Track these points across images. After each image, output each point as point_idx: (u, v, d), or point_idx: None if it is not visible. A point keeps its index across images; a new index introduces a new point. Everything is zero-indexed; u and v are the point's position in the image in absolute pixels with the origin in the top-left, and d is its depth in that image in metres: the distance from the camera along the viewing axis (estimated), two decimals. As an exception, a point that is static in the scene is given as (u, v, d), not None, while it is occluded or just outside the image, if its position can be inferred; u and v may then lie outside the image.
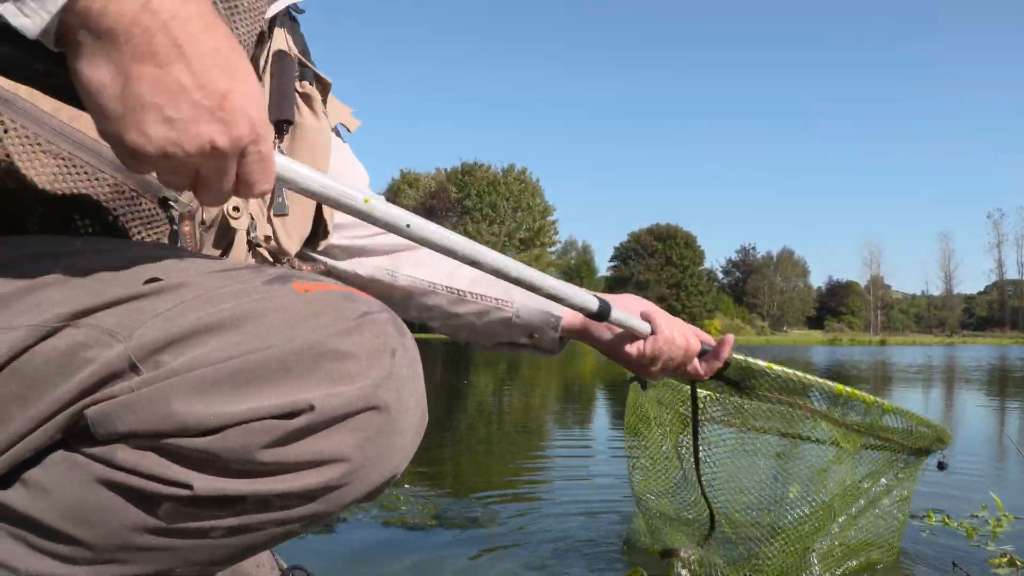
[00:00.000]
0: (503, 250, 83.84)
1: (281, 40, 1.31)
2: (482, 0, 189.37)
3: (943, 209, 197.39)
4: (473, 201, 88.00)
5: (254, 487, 0.82)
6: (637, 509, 2.18)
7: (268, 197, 1.22)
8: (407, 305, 1.61)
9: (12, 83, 0.88)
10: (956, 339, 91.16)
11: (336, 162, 1.48)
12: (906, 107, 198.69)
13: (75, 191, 0.94)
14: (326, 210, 1.39)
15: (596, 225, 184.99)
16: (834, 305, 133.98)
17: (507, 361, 18.97)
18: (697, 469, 1.80)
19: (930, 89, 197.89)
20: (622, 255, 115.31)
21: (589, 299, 1.39)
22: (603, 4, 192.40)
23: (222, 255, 1.17)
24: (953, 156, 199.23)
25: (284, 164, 0.85)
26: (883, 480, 1.81)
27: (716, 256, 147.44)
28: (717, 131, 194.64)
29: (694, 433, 1.77)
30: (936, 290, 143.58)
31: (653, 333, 1.64)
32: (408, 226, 0.98)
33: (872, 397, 1.69)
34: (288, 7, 1.32)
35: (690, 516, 1.97)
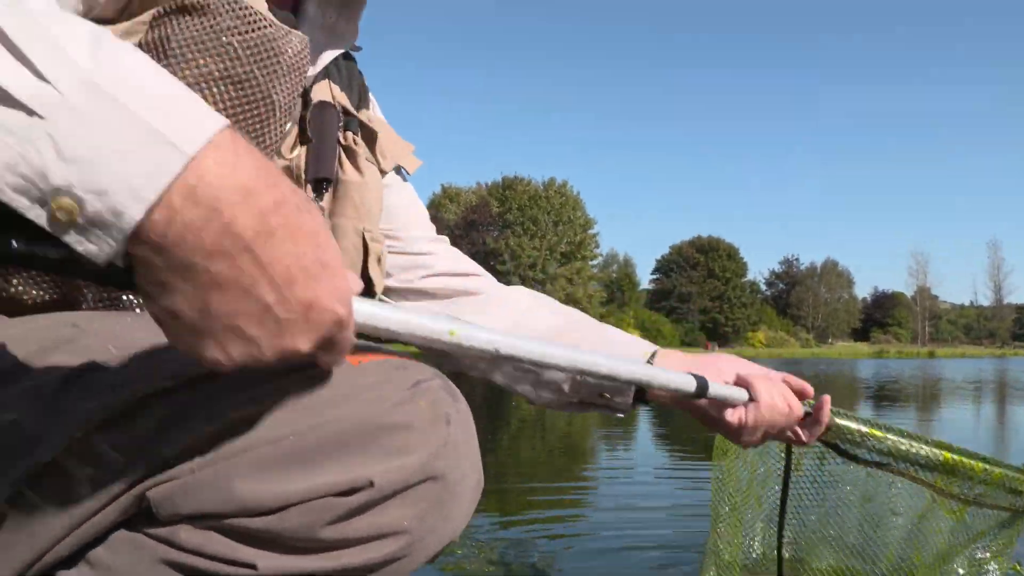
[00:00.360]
0: (544, 264, 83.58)
1: (324, 90, 1.25)
2: (521, 15, 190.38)
3: (992, 217, 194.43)
4: (514, 215, 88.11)
5: (316, 564, 0.82)
6: (708, 559, 2.04)
7: None
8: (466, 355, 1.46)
9: None
10: (1008, 351, 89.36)
11: (394, 208, 1.42)
12: (953, 113, 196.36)
13: None
14: (373, 271, 1.31)
15: (637, 237, 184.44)
16: (880, 317, 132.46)
17: None
18: (780, 535, 1.71)
19: (976, 93, 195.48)
20: (664, 267, 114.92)
21: (686, 381, 1.27)
22: (643, 18, 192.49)
23: None
24: (1003, 162, 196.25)
25: (365, 312, 0.78)
26: (983, 539, 1.70)
27: (759, 268, 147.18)
28: (759, 141, 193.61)
29: (783, 495, 1.70)
30: (986, 300, 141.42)
31: (752, 400, 1.46)
32: (497, 350, 0.91)
33: (981, 464, 1.56)
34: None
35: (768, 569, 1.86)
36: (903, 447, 1.55)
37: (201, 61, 0.93)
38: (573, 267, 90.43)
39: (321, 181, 1.21)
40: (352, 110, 1.29)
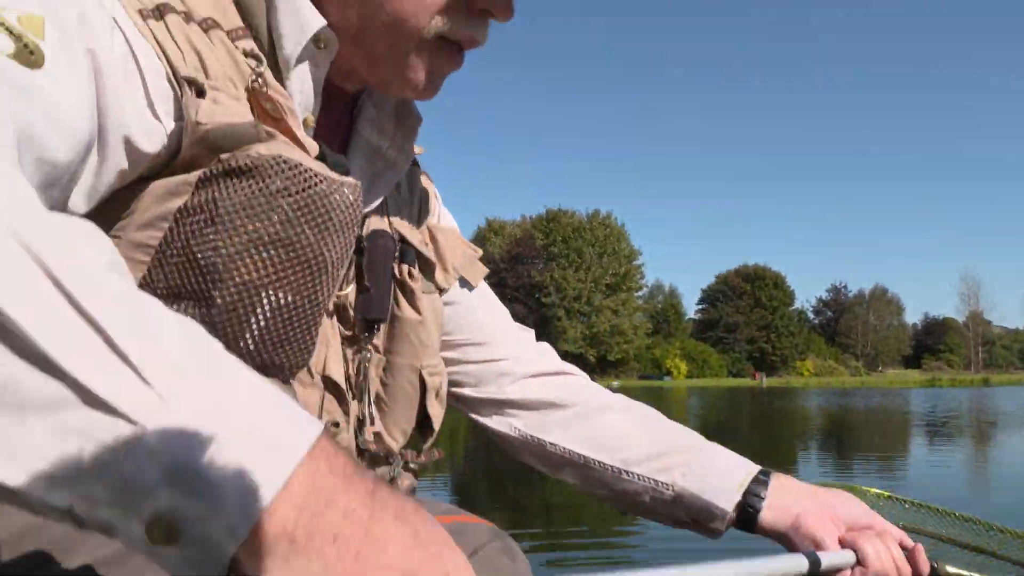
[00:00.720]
0: (589, 296, 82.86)
1: (380, 220, 1.16)
2: (562, 48, 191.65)
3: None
4: (559, 247, 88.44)
5: None
6: None
7: (366, 400, 1.15)
8: (556, 466, 1.46)
9: None
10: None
11: (462, 319, 1.37)
12: (1001, 132, 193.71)
13: None
14: (431, 407, 1.24)
15: (682, 268, 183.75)
16: (931, 343, 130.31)
17: None
18: None
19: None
20: (710, 297, 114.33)
21: (797, 563, 1.20)
22: (681, 49, 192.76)
23: None
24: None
25: None
26: None
27: (806, 295, 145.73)
28: (804, 166, 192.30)
29: None
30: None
31: (859, 564, 1.29)
32: None
33: None
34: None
35: None
36: None
37: (251, 226, 0.87)
38: (619, 298, 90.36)
39: (373, 321, 1.14)
40: (409, 239, 1.19)
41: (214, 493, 0.52)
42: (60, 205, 0.79)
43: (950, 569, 1.44)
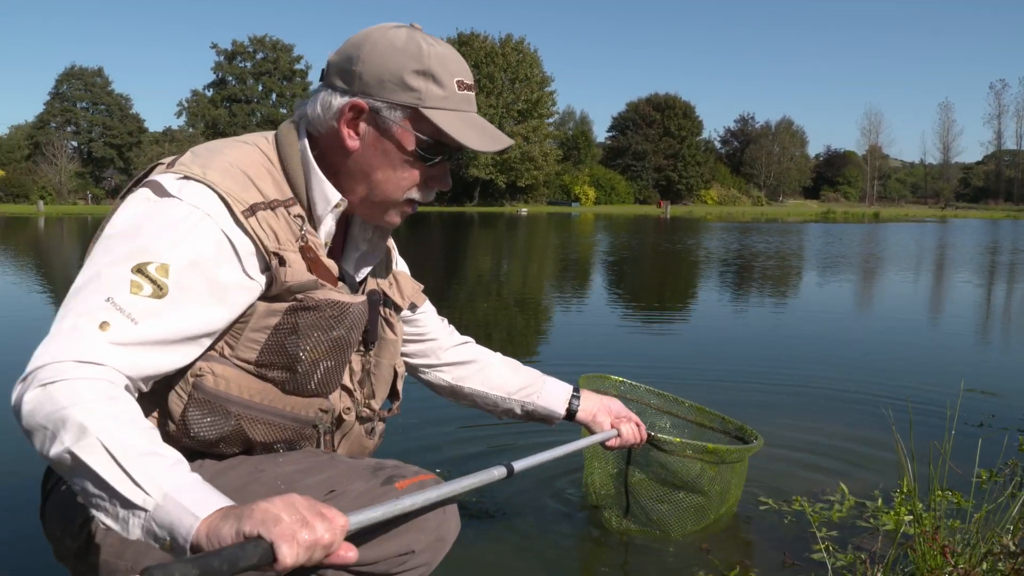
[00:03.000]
0: (501, 122, 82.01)
1: (371, 282, 1.96)
2: None
3: (946, 79, 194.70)
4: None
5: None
6: (585, 485, 3.30)
7: (368, 388, 1.99)
8: (469, 401, 2.41)
9: (236, 389, 1.66)
10: (948, 212, 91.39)
11: (413, 322, 2.23)
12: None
13: (276, 437, 1.76)
14: (399, 385, 2.09)
15: (594, 95, 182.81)
16: (831, 175, 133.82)
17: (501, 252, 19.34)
18: (627, 484, 2.98)
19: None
20: (620, 125, 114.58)
21: (602, 437, 2.47)
22: None
23: (343, 438, 1.93)
24: (959, 23, 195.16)
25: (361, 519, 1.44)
26: (732, 477, 3.03)
27: (714, 126, 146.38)
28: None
29: (628, 462, 2.94)
30: (934, 160, 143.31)
31: (619, 435, 2.49)
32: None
33: (725, 447, 2.83)
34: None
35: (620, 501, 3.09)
36: (682, 445, 2.77)
37: (316, 334, 1.69)
38: (530, 125, 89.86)
39: (369, 341, 1.93)
40: (387, 293, 2.00)
41: (177, 531, 1.21)
42: (200, 347, 1.59)
43: (659, 435, 2.76)
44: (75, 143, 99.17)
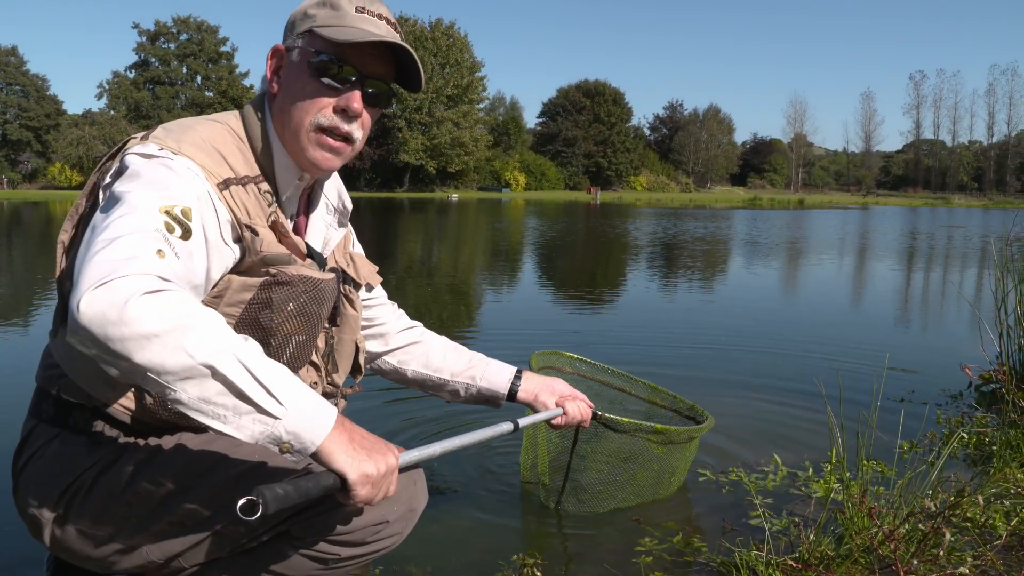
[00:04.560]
0: (431, 107, 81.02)
1: (332, 259, 2.05)
2: None
3: (868, 69, 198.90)
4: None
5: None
6: (524, 457, 3.32)
7: (331, 363, 2.07)
8: (414, 383, 2.49)
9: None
10: (870, 199, 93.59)
11: (367, 318, 2.35)
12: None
13: None
14: (360, 359, 2.19)
15: (525, 81, 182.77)
16: (757, 162, 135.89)
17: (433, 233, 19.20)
18: (569, 463, 3.01)
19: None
20: (550, 111, 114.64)
21: (548, 415, 2.51)
22: None
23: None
24: (881, 15, 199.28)
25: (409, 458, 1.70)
26: (677, 453, 3.09)
27: (644, 112, 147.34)
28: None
29: (574, 442, 2.97)
30: (856, 148, 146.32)
31: (565, 413, 2.54)
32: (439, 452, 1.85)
33: (674, 428, 2.92)
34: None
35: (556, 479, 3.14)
36: (630, 424, 2.82)
37: (289, 306, 1.77)
38: (460, 110, 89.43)
39: (334, 317, 2.03)
40: (347, 271, 2.09)
41: (302, 440, 1.44)
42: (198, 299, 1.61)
43: (606, 414, 2.79)
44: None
